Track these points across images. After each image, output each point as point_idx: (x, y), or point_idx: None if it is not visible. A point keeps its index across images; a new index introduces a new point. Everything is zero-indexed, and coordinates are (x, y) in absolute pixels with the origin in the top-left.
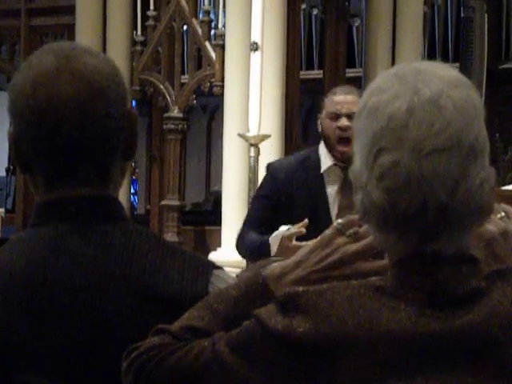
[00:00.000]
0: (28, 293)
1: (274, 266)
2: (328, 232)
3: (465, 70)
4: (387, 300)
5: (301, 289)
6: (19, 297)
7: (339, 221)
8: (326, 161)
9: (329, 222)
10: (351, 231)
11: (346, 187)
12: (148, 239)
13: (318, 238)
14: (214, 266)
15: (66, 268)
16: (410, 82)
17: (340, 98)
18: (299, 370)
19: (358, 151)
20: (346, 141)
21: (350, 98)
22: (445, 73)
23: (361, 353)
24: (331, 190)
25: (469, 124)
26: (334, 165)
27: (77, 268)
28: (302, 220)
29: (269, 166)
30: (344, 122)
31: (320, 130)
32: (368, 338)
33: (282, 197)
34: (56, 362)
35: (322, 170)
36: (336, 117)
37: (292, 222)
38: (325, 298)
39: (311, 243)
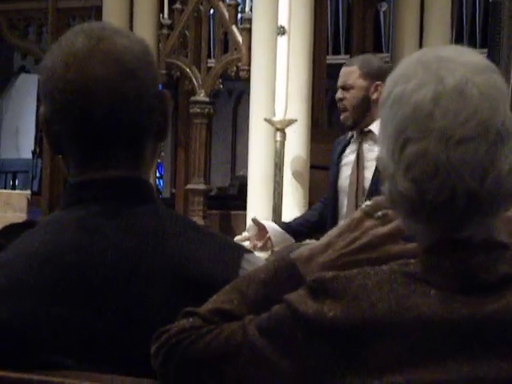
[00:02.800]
0: (59, 274)
1: (303, 249)
2: (356, 214)
3: (493, 55)
4: (418, 285)
5: (331, 274)
6: (50, 278)
7: (367, 203)
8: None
9: (335, 185)
10: (380, 214)
11: (361, 155)
12: (179, 222)
13: (347, 220)
14: (244, 250)
15: (97, 250)
16: (433, 69)
17: (340, 72)
18: (329, 354)
19: (384, 141)
20: (344, 110)
21: (344, 70)
22: (468, 58)
23: (391, 338)
24: (350, 157)
25: (495, 110)
26: (355, 132)
27: (107, 250)
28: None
29: None
30: (337, 94)
31: None
32: (398, 323)
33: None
34: (84, 343)
35: (347, 137)
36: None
37: None
38: (355, 283)
39: (340, 226)
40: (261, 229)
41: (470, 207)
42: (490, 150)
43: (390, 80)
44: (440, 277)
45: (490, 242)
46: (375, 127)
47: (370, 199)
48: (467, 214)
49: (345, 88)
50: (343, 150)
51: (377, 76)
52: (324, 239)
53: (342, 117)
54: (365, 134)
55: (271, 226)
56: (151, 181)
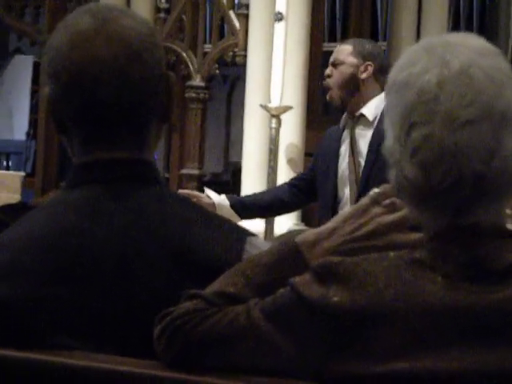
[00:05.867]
0: (61, 256)
1: (308, 233)
2: (364, 201)
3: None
4: (424, 272)
5: (337, 259)
6: (52, 259)
7: (376, 190)
8: (344, 116)
9: (334, 173)
10: (388, 201)
11: (354, 139)
12: (183, 204)
13: (354, 206)
14: (248, 233)
15: (100, 232)
16: (438, 53)
17: (340, 48)
18: (333, 339)
19: (390, 127)
20: (329, 87)
21: (338, 47)
22: (473, 42)
23: (396, 324)
24: (345, 144)
25: (500, 92)
26: (346, 116)
27: (111, 232)
28: (322, 170)
29: None
30: (326, 71)
31: None
32: (404, 310)
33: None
34: (90, 326)
35: (341, 125)
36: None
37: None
38: (361, 269)
39: (346, 211)
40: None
41: (476, 190)
42: (495, 132)
43: (394, 67)
44: (446, 264)
45: (497, 228)
46: (367, 111)
47: (365, 186)
48: (474, 197)
49: (334, 64)
50: (340, 140)
51: (368, 56)
52: (330, 224)
53: (327, 95)
54: (357, 119)
55: (220, 203)
56: None
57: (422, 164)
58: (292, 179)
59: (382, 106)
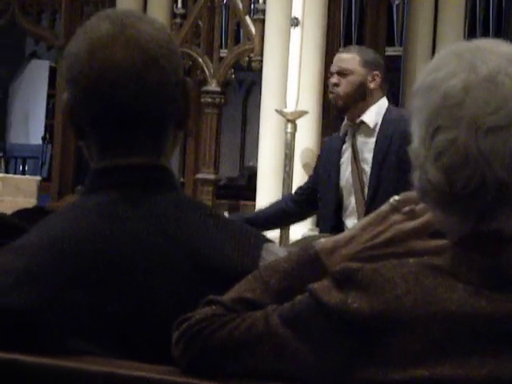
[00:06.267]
0: (79, 261)
1: (327, 240)
2: (384, 208)
3: None
4: (444, 279)
5: (356, 265)
6: (70, 264)
7: (396, 197)
8: (343, 123)
9: (336, 183)
10: (407, 208)
11: (356, 147)
12: (199, 210)
13: (373, 213)
14: (265, 240)
15: (117, 237)
16: (467, 59)
17: (335, 58)
18: (351, 346)
19: (416, 130)
20: (336, 96)
21: (342, 56)
22: (503, 49)
23: (416, 331)
24: (347, 152)
25: None
26: (347, 124)
27: (128, 237)
28: (323, 180)
29: None
30: (332, 79)
31: None
32: (424, 317)
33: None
34: (106, 330)
35: (340, 133)
36: (331, 75)
37: (317, 183)
38: (381, 275)
39: (366, 218)
40: None
41: (499, 197)
42: None
43: (423, 71)
44: (468, 271)
45: None
46: (367, 118)
47: (373, 194)
48: (497, 204)
49: (341, 73)
50: (341, 148)
51: (375, 66)
52: (349, 232)
53: (331, 96)
54: (357, 126)
55: None
56: None
57: (446, 168)
58: (296, 190)
59: (383, 112)
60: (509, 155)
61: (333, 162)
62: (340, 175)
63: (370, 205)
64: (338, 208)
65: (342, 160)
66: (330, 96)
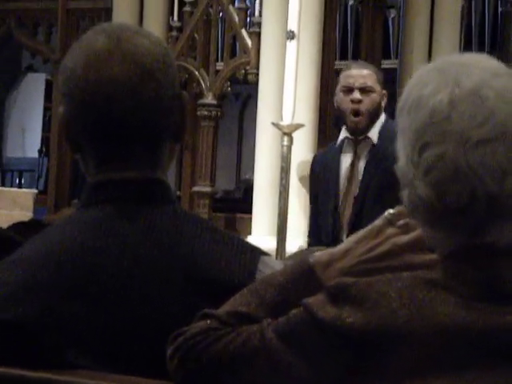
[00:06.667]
0: (74, 274)
1: (322, 254)
2: (378, 222)
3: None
4: (438, 293)
5: (351, 279)
6: (66, 277)
7: (390, 211)
8: (341, 135)
9: (336, 194)
10: (402, 222)
11: (357, 161)
12: (196, 223)
13: (368, 227)
14: (261, 253)
15: (113, 251)
16: (450, 74)
17: (353, 72)
18: (347, 360)
19: (402, 148)
20: (359, 112)
21: (363, 72)
22: (486, 63)
23: (410, 345)
24: (345, 163)
25: None
26: (347, 138)
27: (124, 251)
28: (322, 192)
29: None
30: (356, 95)
31: (336, 105)
32: (418, 331)
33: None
34: (101, 344)
35: (336, 144)
36: (349, 90)
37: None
38: (375, 290)
39: (360, 232)
40: None
41: (491, 211)
42: (508, 153)
43: (406, 88)
44: (461, 284)
45: None
46: (373, 134)
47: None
48: (489, 218)
49: (365, 90)
50: (339, 158)
51: (383, 84)
52: (343, 245)
53: (355, 119)
54: (359, 142)
55: None
56: None
57: (435, 184)
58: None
59: (381, 125)
60: (498, 168)
61: (332, 173)
62: (339, 187)
63: (356, 217)
64: (338, 218)
65: (341, 173)
66: (353, 119)
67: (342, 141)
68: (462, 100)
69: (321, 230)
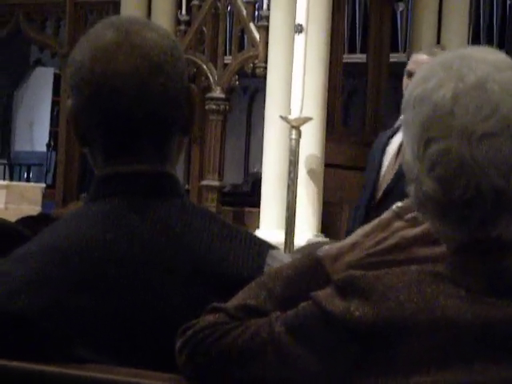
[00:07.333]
0: (83, 268)
1: (330, 247)
2: (386, 215)
3: (510, 56)
4: (446, 286)
5: (359, 273)
6: (74, 271)
7: (398, 204)
8: (399, 120)
9: (375, 179)
10: (410, 215)
11: (401, 151)
12: (204, 217)
13: (376, 220)
14: (270, 246)
15: (121, 244)
16: (454, 68)
17: (418, 58)
18: (355, 353)
19: (408, 143)
20: None
21: (426, 58)
22: (491, 57)
23: (418, 338)
24: (395, 144)
25: None
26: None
27: (132, 244)
28: (368, 167)
29: None
30: (407, 80)
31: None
32: (426, 324)
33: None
34: (109, 337)
35: (394, 127)
36: (410, 75)
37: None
38: (383, 283)
39: (369, 225)
40: None
41: (497, 205)
42: None
43: (411, 83)
44: (468, 278)
45: None
46: None
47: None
48: (495, 211)
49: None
50: (388, 141)
51: None
52: (351, 238)
53: None
54: None
55: None
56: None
57: (441, 178)
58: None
59: None
60: (504, 162)
61: (379, 149)
62: (382, 162)
63: (378, 202)
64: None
65: (387, 152)
66: None
67: (400, 124)
68: (465, 94)
69: (362, 200)
